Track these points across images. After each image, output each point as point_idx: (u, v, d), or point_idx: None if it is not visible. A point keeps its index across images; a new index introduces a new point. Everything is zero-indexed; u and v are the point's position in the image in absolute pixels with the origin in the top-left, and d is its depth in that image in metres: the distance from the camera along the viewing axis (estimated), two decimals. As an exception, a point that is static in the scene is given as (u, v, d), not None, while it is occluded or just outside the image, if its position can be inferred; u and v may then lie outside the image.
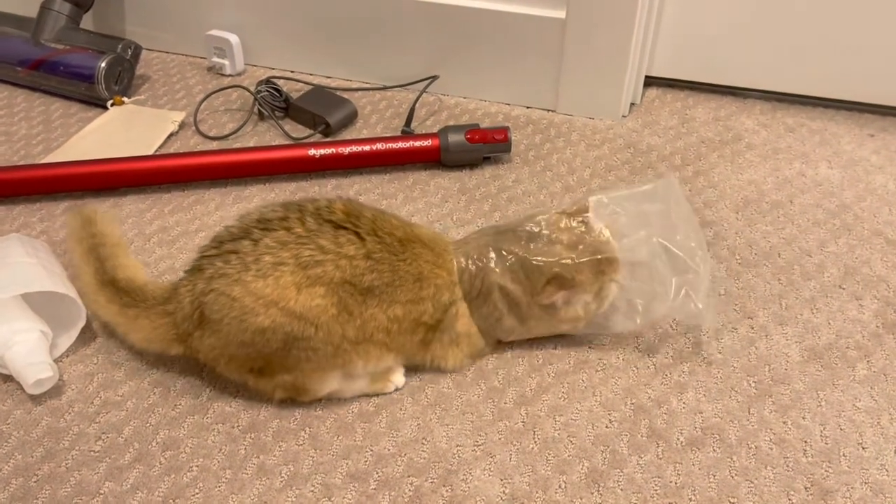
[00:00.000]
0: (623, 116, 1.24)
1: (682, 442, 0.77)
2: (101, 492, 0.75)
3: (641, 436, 0.78)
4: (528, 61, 1.23)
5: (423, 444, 0.78)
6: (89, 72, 1.23)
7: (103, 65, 1.23)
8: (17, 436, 0.79)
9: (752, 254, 0.98)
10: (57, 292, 0.84)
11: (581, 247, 0.80)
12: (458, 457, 0.77)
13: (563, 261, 0.79)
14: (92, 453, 0.78)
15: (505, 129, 1.13)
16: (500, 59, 1.24)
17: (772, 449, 0.77)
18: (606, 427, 0.79)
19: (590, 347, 0.87)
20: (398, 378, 0.83)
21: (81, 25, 1.33)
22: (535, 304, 0.81)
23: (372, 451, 0.78)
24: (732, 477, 0.74)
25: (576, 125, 1.22)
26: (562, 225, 0.81)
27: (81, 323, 0.86)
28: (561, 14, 1.16)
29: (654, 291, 0.82)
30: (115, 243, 0.88)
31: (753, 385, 0.82)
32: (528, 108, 1.27)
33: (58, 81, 1.27)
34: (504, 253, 0.81)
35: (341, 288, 0.75)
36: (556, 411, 0.81)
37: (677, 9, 1.21)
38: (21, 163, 1.15)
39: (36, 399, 0.83)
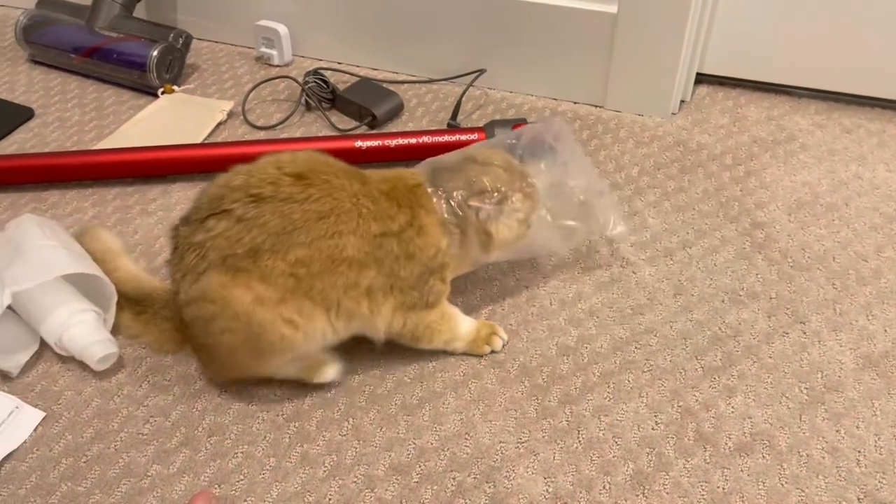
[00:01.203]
0: (673, 114, 1.22)
1: (730, 447, 0.76)
2: (149, 474, 0.76)
3: (688, 439, 0.77)
4: (576, 56, 1.21)
5: (465, 439, 0.78)
6: (141, 60, 1.25)
7: (155, 53, 1.24)
8: (67, 416, 0.81)
9: (805, 257, 0.96)
10: (86, 273, 0.85)
11: (510, 171, 0.82)
12: (502, 453, 0.76)
13: (496, 177, 0.81)
14: (140, 436, 0.79)
15: (553, 125, 1.12)
16: (548, 54, 1.23)
17: (824, 458, 0.75)
18: (652, 429, 0.78)
19: (637, 347, 0.86)
20: (329, 372, 0.82)
21: (134, 14, 1.34)
22: (475, 231, 0.80)
23: (415, 444, 0.78)
24: (782, 485, 0.73)
25: (624, 122, 1.21)
26: (495, 157, 0.83)
27: (114, 300, 0.87)
28: (612, 9, 1.14)
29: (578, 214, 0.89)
30: (117, 255, 0.92)
31: (805, 392, 0.80)
32: (575, 103, 1.25)
33: (111, 69, 1.29)
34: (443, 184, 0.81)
35: (224, 263, 0.73)
36: (601, 411, 0.80)
37: (731, 5, 1.18)
38: (74, 148, 1.17)
39: (86, 381, 0.84)
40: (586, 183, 0.91)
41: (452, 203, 0.79)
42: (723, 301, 0.91)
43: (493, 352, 0.86)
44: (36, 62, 1.36)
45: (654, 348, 0.86)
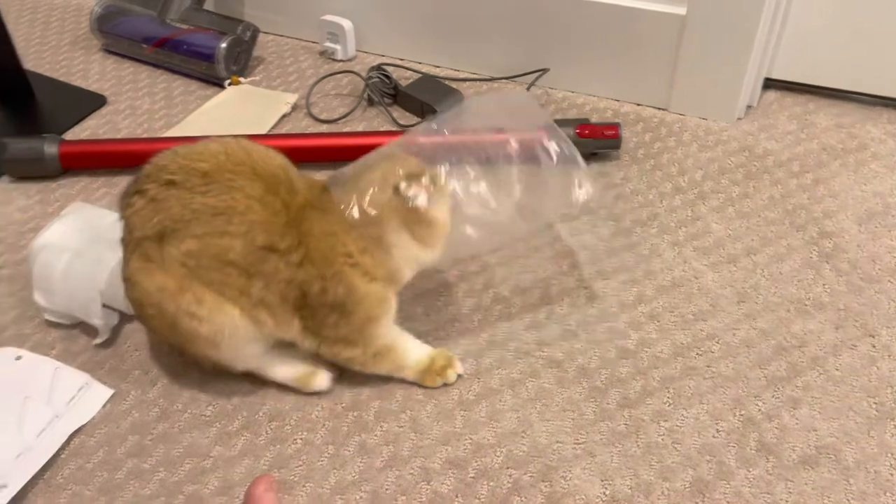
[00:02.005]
0: (738, 119, 1.19)
1: (794, 459, 0.74)
2: (211, 455, 0.78)
3: (750, 449, 0.75)
4: (641, 57, 1.20)
5: (522, 437, 0.78)
6: (210, 51, 1.27)
7: (223, 45, 1.27)
8: (134, 395, 0.83)
9: (876, 269, 0.93)
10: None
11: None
12: (559, 454, 0.76)
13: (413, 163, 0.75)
14: (203, 417, 0.81)
15: (616, 126, 1.11)
16: (612, 54, 1.22)
17: (892, 475, 0.73)
18: (713, 437, 0.77)
19: (698, 354, 0.85)
20: (320, 381, 0.81)
21: (204, 7, 1.37)
22: (409, 224, 0.73)
23: (471, 439, 0.78)
24: (848, 500, 0.71)
25: (688, 125, 1.19)
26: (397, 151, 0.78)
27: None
28: (681, 10, 1.13)
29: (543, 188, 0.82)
30: None
31: (874, 406, 0.78)
32: (638, 105, 1.24)
33: (180, 59, 1.32)
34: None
35: (139, 245, 0.74)
36: (660, 416, 0.79)
37: (803, 9, 1.15)
38: (144, 136, 1.20)
39: (153, 361, 0.87)
40: (556, 155, 0.82)
41: (366, 204, 0.72)
42: (788, 310, 0.89)
43: (444, 384, 0.82)
44: (109, 52, 1.40)
45: (716, 355, 0.84)
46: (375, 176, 0.73)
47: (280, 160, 0.76)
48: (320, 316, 0.75)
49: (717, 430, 0.77)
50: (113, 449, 0.78)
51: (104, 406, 0.82)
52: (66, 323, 0.90)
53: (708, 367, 0.83)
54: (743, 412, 0.79)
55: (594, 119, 1.20)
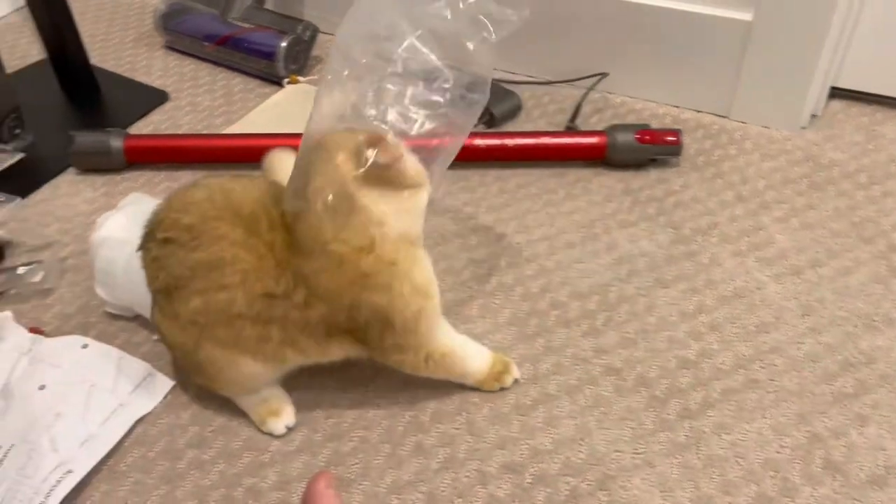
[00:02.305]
0: (802, 128, 1.17)
1: (862, 478, 0.72)
2: (270, 449, 0.78)
3: (816, 466, 0.74)
4: (703, 63, 1.18)
5: (580, 444, 0.77)
6: (270, 50, 1.29)
7: (284, 44, 1.28)
8: (195, 386, 0.84)
9: (948, 286, 0.90)
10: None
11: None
12: (617, 462, 0.75)
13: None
14: (262, 412, 0.82)
15: (677, 132, 1.10)
16: (673, 60, 1.20)
17: (966, 500, 0.70)
18: (777, 452, 0.75)
19: (761, 367, 0.83)
20: (275, 424, 0.79)
21: (265, 6, 1.39)
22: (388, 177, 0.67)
23: (528, 444, 0.77)
24: (920, 524, 0.69)
25: (750, 133, 1.17)
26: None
27: None
28: (748, 16, 1.11)
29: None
30: None
31: (947, 428, 0.76)
32: (698, 111, 1.22)
33: (240, 58, 1.34)
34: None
35: (155, 299, 0.74)
36: (722, 429, 0.77)
37: (875, 16, 1.12)
38: (204, 132, 1.22)
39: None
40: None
41: (323, 191, 0.66)
42: (855, 326, 0.86)
43: (501, 388, 0.81)
44: (171, 49, 1.43)
45: (779, 369, 0.83)
46: (314, 167, 0.67)
47: (256, 194, 0.71)
48: (359, 334, 0.72)
49: (781, 446, 0.75)
50: (174, 439, 0.79)
51: (166, 396, 0.83)
52: (127, 315, 0.92)
53: (771, 380, 0.81)
54: (808, 428, 0.77)
55: (653, 125, 1.19)
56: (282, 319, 0.70)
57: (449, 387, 0.83)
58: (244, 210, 0.70)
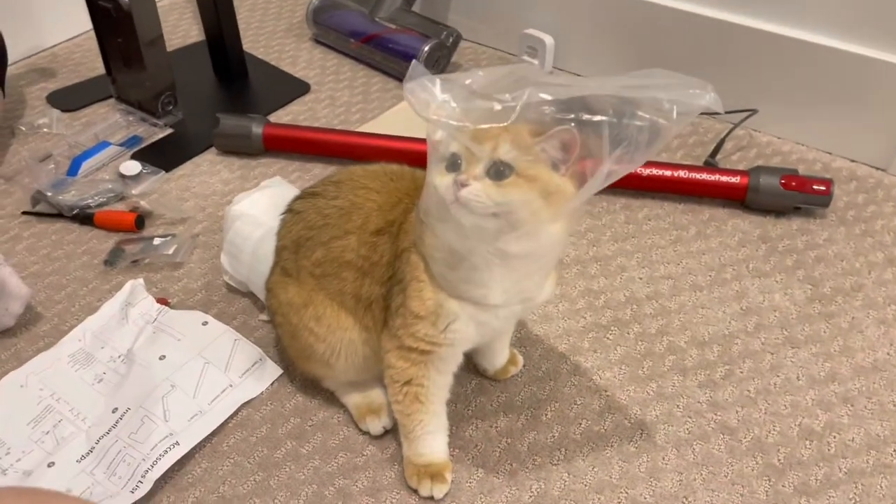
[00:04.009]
0: (972, 192, 1.06)
1: None
2: (364, 453, 0.79)
3: (950, 574, 0.66)
4: (864, 110, 1.09)
5: (683, 502, 0.73)
6: (413, 52, 1.30)
7: (426, 48, 1.29)
8: (300, 379, 0.86)
9: None
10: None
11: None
12: (722, 529, 0.71)
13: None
14: (361, 414, 0.82)
15: (828, 182, 1.02)
16: (831, 103, 1.12)
17: None
18: (905, 550, 0.68)
19: (896, 452, 0.76)
20: (374, 423, 0.79)
21: (412, 9, 1.41)
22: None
23: (627, 493, 0.74)
24: None
25: (910, 191, 1.07)
26: None
27: None
28: (925, 65, 1.02)
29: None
30: None
31: None
32: (852, 161, 1.13)
33: (382, 57, 1.36)
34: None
35: (280, 256, 0.78)
36: (843, 513, 0.71)
37: None
38: (340, 127, 1.25)
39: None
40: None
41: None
42: None
43: (418, 491, 0.75)
44: (318, 42, 1.47)
45: (917, 457, 0.75)
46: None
47: (418, 174, 0.73)
48: (389, 300, 0.70)
49: (911, 544, 0.69)
50: (275, 427, 0.81)
51: (273, 384, 0.85)
52: (241, 290, 0.95)
53: (907, 468, 0.74)
54: (944, 530, 0.69)
55: (801, 170, 1.11)
56: (376, 266, 0.70)
57: (550, 419, 0.80)
58: (396, 172, 0.74)
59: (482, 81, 0.59)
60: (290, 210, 0.78)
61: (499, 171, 0.58)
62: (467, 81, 0.59)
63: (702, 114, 1.20)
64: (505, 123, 0.57)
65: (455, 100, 0.58)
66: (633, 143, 0.58)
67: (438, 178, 0.60)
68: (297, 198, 0.78)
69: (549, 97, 0.57)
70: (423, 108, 0.58)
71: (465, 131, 0.58)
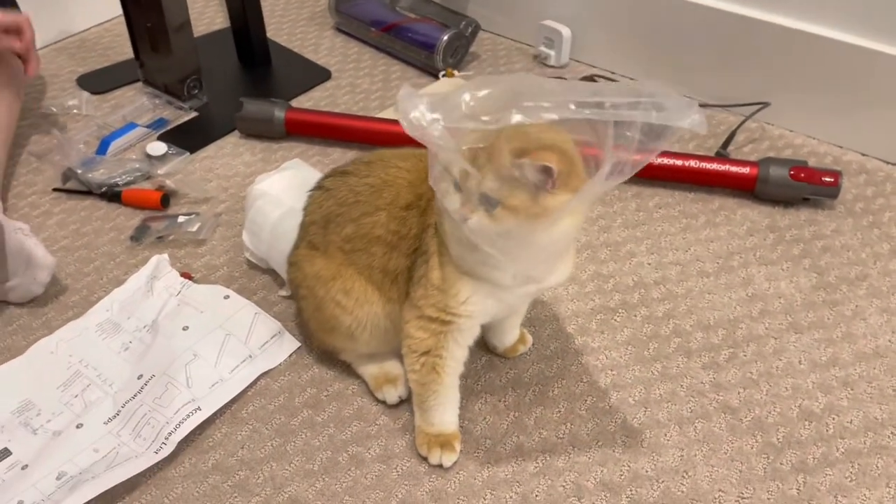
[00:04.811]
0: (981, 186, 1.08)
1: None
2: (378, 422, 0.82)
3: (940, 550, 0.68)
4: (876, 104, 1.11)
5: (683, 477, 0.75)
6: (432, 42, 1.33)
7: (445, 38, 1.32)
8: (317, 352, 0.89)
9: None
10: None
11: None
12: (720, 502, 0.73)
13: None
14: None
15: (837, 174, 1.04)
16: (843, 97, 1.13)
17: None
18: (897, 527, 0.70)
19: (893, 433, 0.78)
20: (390, 392, 0.82)
21: (432, -2, 1.44)
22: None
23: (629, 467, 0.77)
24: None
25: (919, 185, 1.09)
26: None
27: None
28: (936, 60, 1.03)
29: None
30: None
31: None
32: (863, 154, 1.15)
33: (402, 46, 1.39)
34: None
35: (307, 231, 0.80)
36: (839, 490, 0.73)
37: None
38: (359, 113, 1.28)
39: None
40: None
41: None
42: None
43: (427, 458, 0.78)
44: (339, 30, 1.50)
45: (914, 439, 0.77)
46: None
47: None
48: (413, 272, 0.74)
49: (903, 521, 0.71)
50: (292, 397, 0.85)
51: (290, 356, 0.89)
52: (261, 266, 0.98)
53: (903, 450, 0.76)
54: (937, 508, 0.71)
55: (811, 163, 1.13)
56: (404, 239, 0.73)
57: (557, 395, 0.83)
58: (425, 152, 0.74)
59: (479, 96, 0.61)
60: (321, 187, 0.81)
61: (488, 204, 0.61)
62: (466, 96, 0.60)
63: (714, 105, 1.22)
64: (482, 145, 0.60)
65: (445, 119, 0.60)
66: (618, 165, 0.60)
67: (448, 200, 0.63)
68: (328, 175, 0.82)
69: (528, 121, 0.59)
70: (414, 128, 0.60)
71: (460, 158, 0.61)
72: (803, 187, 1.04)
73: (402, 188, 0.74)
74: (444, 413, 0.77)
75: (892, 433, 0.78)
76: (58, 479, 0.76)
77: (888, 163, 1.13)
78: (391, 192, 0.75)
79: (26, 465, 0.77)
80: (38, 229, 1.05)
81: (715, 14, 1.20)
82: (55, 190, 1.13)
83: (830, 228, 1.03)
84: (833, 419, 0.80)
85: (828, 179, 1.04)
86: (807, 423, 0.79)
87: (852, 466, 0.75)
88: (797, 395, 0.82)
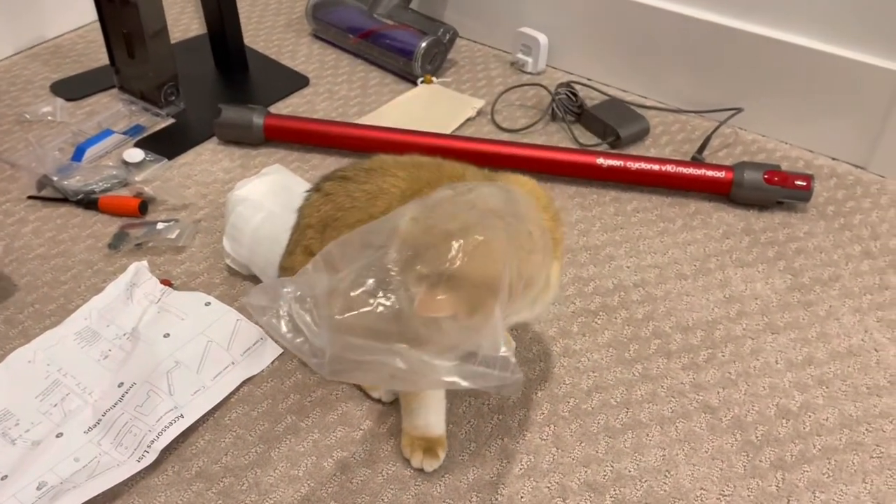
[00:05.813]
0: (947, 189, 1.11)
1: (965, 565, 0.68)
2: (362, 427, 0.82)
3: (915, 543, 0.70)
4: (846, 110, 1.14)
5: (665, 476, 0.77)
6: (410, 49, 1.34)
7: (423, 45, 1.33)
8: (299, 359, 0.89)
9: None
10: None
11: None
12: (701, 501, 0.74)
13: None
14: (358, 391, 0.85)
15: (809, 177, 1.06)
16: (814, 103, 1.16)
17: None
18: (874, 521, 0.72)
19: (868, 430, 0.80)
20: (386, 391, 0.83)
21: (410, 6, 1.44)
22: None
23: (612, 467, 0.78)
24: None
25: (888, 188, 1.12)
26: None
27: None
28: (902, 67, 1.06)
29: None
30: None
31: None
32: (833, 159, 1.18)
33: (380, 53, 1.40)
34: None
35: (304, 235, 0.80)
36: (816, 486, 0.75)
37: None
38: (338, 119, 1.28)
39: (320, 330, 0.92)
40: None
41: None
42: (979, 404, 0.82)
43: (410, 462, 0.78)
44: (317, 37, 1.50)
45: (887, 435, 0.79)
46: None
47: (460, 170, 0.76)
48: None
49: (879, 515, 0.72)
50: (276, 403, 0.84)
51: (273, 362, 0.88)
52: (242, 272, 0.98)
53: (877, 445, 0.78)
54: (911, 502, 0.73)
55: (784, 167, 1.15)
56: None
57: (540, 397, 0.84)
58: (423, 162, 0.77)
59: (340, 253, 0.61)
60: (319, 189, 0.81)
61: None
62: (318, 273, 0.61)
63: (689, 111, 1.24)
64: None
65: (314, 289, 0.60)
66: None
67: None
68: (326, 179, 0.81)
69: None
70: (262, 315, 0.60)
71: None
72: (777, 191, 1.06)
73: (395, 198, 0.75)
74: (429, 415, 0.78)
75: (866, 430, 0.80)
76: (38, 489, 0.75)
77: (857, 166, 1.16)
78: (384, 201, 0.75)
79: (6, 476, 0.76)
80: (13, 237, 1.04)
81: (689, 22, 1.22)
82: (30, 197, 1.12)
83: (804, 231, 1.05)
84: (809, 417, 0.81)
85: (800, 183, 1.06)
86: (784, 421, 0.81)
87: (829, 463, 0.77)
88: (774, 393, 0.84)
